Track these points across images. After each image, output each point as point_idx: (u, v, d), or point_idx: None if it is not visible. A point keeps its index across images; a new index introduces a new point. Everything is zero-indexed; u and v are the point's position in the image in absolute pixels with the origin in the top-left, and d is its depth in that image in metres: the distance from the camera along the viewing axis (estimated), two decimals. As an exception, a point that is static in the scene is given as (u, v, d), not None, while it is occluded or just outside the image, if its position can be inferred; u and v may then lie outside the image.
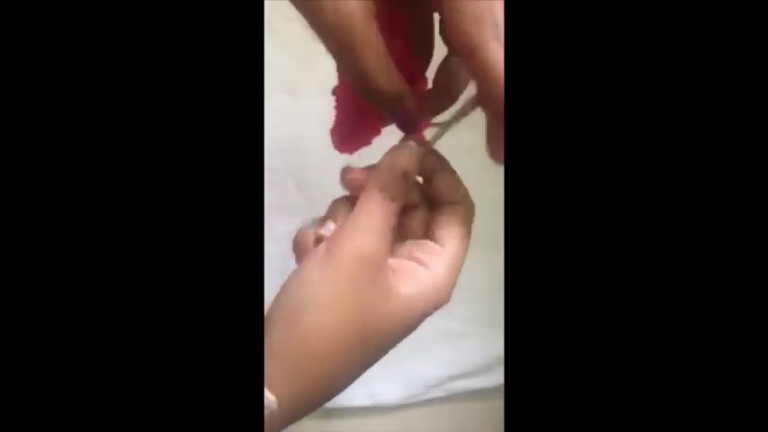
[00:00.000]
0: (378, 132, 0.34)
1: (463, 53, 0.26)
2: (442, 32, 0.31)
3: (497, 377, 0.66)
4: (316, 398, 0.29)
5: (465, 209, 0.33)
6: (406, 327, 0.30)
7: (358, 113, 0.33)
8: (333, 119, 0.33)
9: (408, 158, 0.31)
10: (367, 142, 0.34)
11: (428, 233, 0.33)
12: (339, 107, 0.33)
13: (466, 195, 0.33)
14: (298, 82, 0.55)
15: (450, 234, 0.32)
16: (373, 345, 0.29)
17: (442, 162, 0.33)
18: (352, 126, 0.33)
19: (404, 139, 0.31)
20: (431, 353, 0.61)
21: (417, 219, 0.34)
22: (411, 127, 0.31)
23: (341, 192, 0.34)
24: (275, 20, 0.51)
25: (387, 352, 0.30)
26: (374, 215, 0.29)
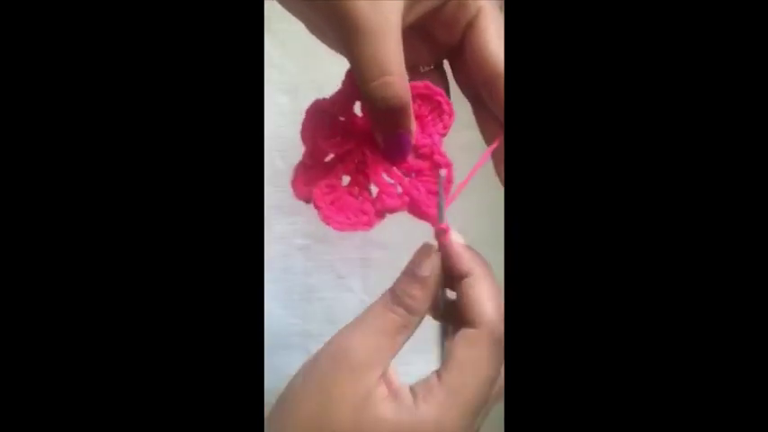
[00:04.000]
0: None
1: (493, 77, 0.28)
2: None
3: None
4: None
5: (485, 336, 0.27)
6: None
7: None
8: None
9: (428, 265, 0.28)
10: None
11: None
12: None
13: (491, 320, 0.27)
14: (297, 83, 0.56)
15: (455, 365, 0.27)
16: None
17: (474, 267, 0.28)
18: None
19: (425, 245, 0.29)
20: (430, 351, 0.61)
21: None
22: (399, 154, 0.29)
23: None
24: (275, 20, 0.51)
25: None
26: (376, 319, 0.28)
